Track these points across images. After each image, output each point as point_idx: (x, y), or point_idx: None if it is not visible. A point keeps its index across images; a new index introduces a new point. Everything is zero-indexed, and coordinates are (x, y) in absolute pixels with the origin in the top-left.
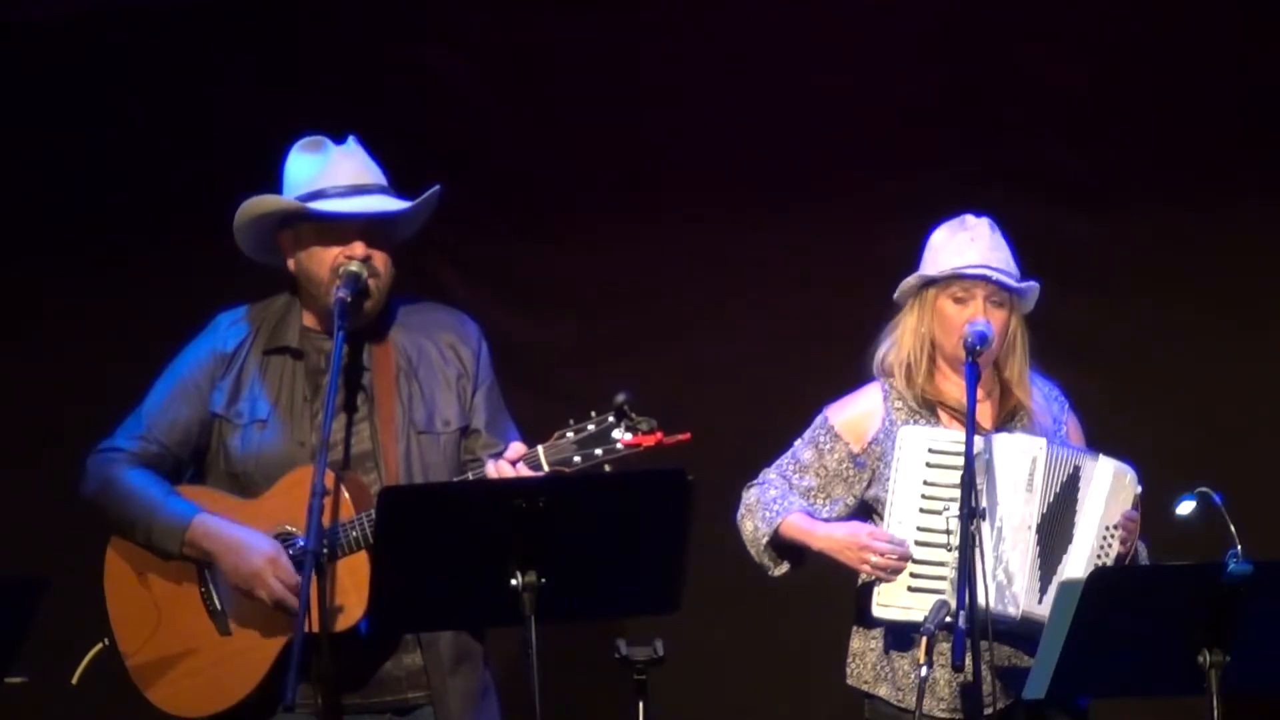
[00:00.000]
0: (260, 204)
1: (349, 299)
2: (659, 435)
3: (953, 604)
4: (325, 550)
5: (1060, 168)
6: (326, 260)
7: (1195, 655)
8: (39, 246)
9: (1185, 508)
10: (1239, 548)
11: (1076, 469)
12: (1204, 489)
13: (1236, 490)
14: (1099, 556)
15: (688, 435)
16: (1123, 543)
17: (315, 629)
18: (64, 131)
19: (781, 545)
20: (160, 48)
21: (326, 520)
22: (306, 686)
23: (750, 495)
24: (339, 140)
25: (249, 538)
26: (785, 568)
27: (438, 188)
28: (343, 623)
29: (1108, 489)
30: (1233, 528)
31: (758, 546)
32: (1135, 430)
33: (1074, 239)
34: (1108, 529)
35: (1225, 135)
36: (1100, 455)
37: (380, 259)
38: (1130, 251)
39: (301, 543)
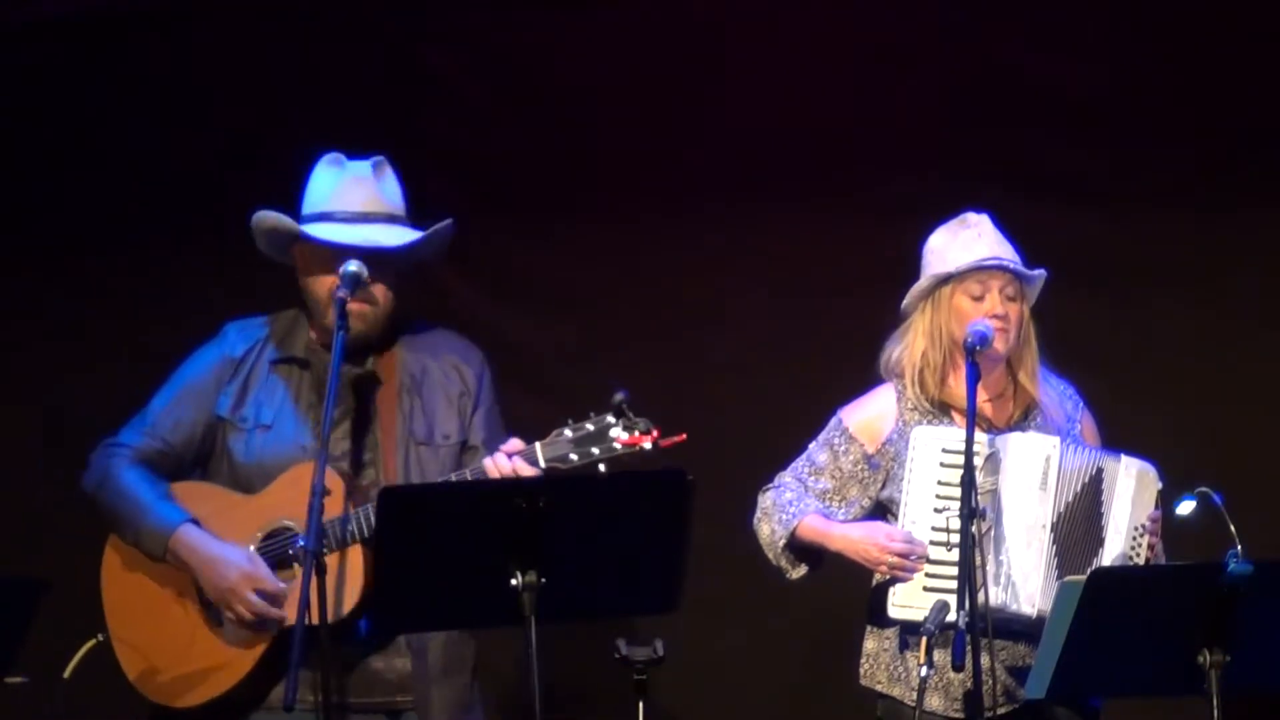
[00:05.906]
0: (262, 221)
1: (349, 298)
2: (655, 435)
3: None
4: (326, 549)
5: (1060, 167)
6: (325, 284)
7: (1195, 655)
8: (40, 247)
9: (1185, 508)
10: (1239, 548)
11: (1099, 470)
12: (1204, 489)
13: (1236, 490)
14: (1130, 559)
15: (684, 436)
16: (1150, 547)
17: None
18: (63, 132)
19: (799, 547)
20: (159, 49)
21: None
22: (304, 686)
23: (766, 499)
24: (366, 158)
25: (225, 554)
26: (803, 570)
27: (449, 222)
28: (335, 614)
29: (1132, 490)
30: (1233, 528)
31: (775, 549)
32: (1135, 429)
33: (1074, 239)
34: (1136, 530)
35: (1225, 135)
36: (1121, 455)
37: (379, 290)
38: (1130, 251)
39: (301, 542)
